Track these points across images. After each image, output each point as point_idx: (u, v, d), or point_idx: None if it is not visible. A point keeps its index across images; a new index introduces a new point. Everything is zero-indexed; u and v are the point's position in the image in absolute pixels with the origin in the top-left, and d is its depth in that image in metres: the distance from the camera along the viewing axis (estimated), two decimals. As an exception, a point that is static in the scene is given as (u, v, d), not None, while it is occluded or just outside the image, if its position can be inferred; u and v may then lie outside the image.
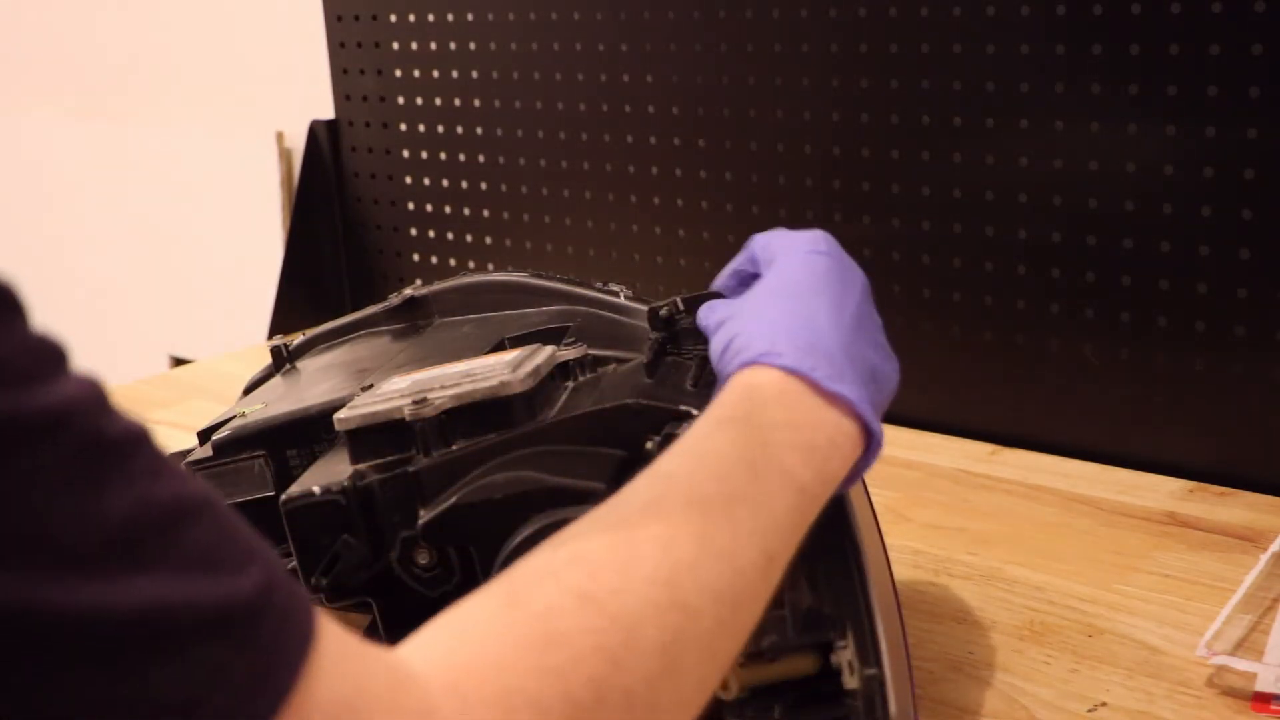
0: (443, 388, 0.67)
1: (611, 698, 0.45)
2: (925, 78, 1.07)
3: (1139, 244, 1.00)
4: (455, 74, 1.41)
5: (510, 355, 0.72)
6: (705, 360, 0.70)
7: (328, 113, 1.53)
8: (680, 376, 0.71)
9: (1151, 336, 1.01)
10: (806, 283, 0.65)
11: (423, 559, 0.66)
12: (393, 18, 1.44)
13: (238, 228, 1.74)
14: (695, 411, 0.65)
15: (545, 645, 0.44)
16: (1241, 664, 0.73)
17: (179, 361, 1.71)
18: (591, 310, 0.84)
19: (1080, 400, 1.06)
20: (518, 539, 0.61)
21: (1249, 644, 0.77)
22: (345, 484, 0.66)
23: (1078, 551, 0.90)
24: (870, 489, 0.70)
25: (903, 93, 1.09)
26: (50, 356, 0.38)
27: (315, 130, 1.54)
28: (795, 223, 1.17)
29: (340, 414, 0.68)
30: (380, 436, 0.67)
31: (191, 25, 1.75)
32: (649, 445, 0.63)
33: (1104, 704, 0.73)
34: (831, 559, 0.64)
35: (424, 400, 0.66)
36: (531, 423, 0.66)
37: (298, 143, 1.59)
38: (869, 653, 0.60)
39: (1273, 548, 0.85)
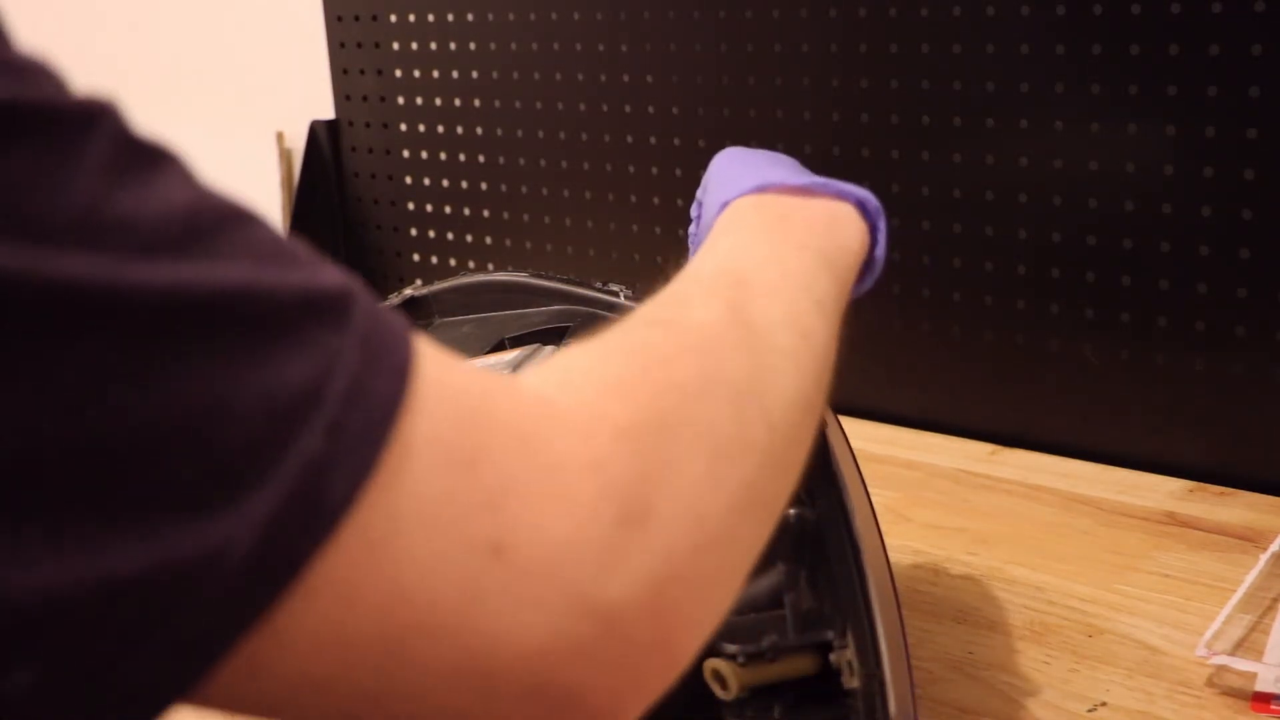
0: None
1: (717, 388, 0.45)
2: (925, 78, 1.07)
3: (1139, 244, 1.00)
4: (455, 74, 1.41)
5: (510, 355, 0.72)
6: None
7: (328, 113, 1.53)
8: None
9: (1151, 336, 1.01)
10: (747, 159, 0.68)
11: None
12: (393, 18, 1.44)
13: (238, 228, 1.74)
14: None
15: (643, 348, 0.46)
16: (1241, 664, 0.73)
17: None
18: (591, 310, 0.84)
19: (1080, 400, 1.06)
20: None
21: (1249, 644, 0.77)
22: None
23: (1078, 551, 0.90)
24: (870, 489, 0.70)
25: (903, 93, 1.09)
26: (58, 72, 0.36)
27: (315, 130, 1.54)
28: (795, 223, 1.17)
29: None
30: None
31: (192, 25, 1.75)
32: None
33: (1104, 704, 0.73)
34: (831, 559, 0.64)
35: None
36: None
37: (298, 143, 1.59)
38: (869, 653, 0.60)
39: (1273, 548, 0.85)
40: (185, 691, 0.34)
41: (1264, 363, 0.97)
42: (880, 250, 0.63)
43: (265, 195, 1.68)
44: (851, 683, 0.59)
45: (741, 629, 0.62)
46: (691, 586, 0.41)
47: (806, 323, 0.52)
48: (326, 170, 1.54)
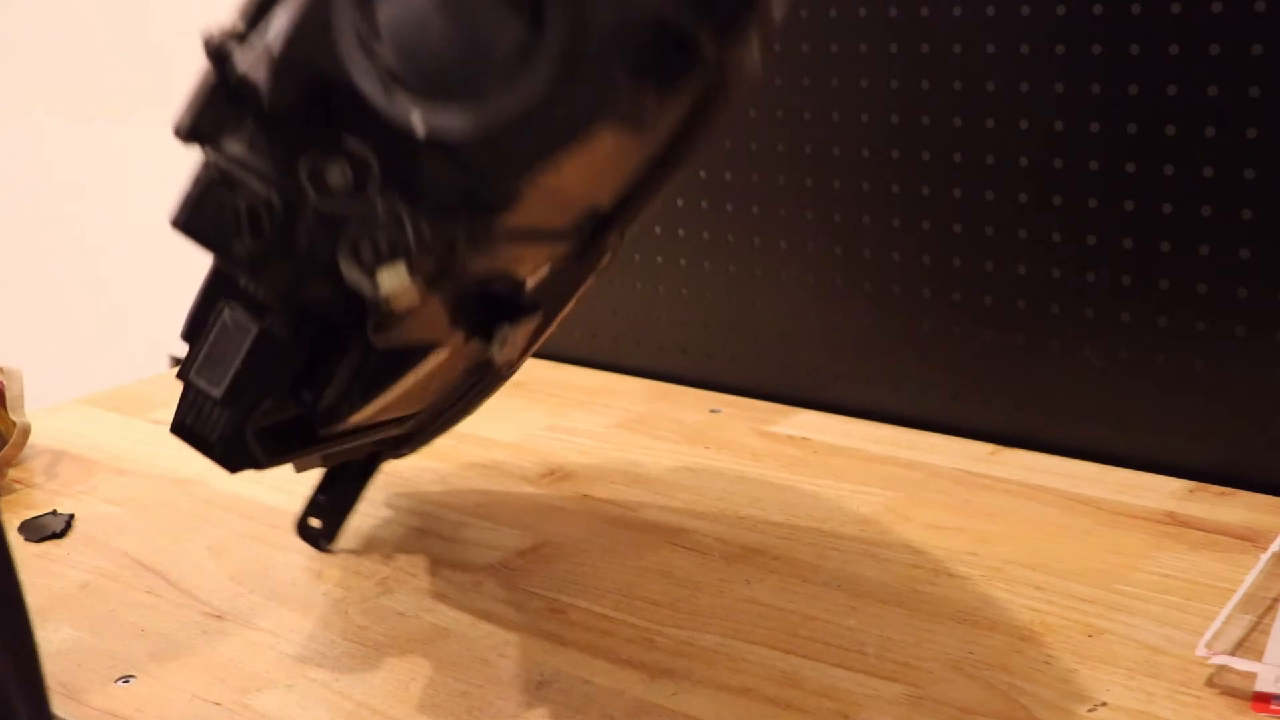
0: None
1: None
2: (925, 78, 1.07)
3: (1139, 244, 1.00)
4: (455, 74, 1.40)
5: None
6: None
7: (328, 113, 1.53)
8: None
9: (1151, 336, 1.01)
10: None
11: (335, 177, 0.63)
12: (393, 18, 1.44)
13: (238, 228, 1.73)
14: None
15: None
16: (1241, 664, 0.73)
17: (179, 361, 1.71)
18: None
19: (1080, 400, 1.06)
20: None
21: (1249, 644, 0.77)
22: (203, 168, 0.65)
23: (1078, 551, 0.90)
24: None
25: (902, 92, 1.09)
26: None
27: (315, 130, 1.53)
28: (796, 222, 1.17)
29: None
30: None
31: (191, 25, 1.75)
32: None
33: (1104, 704, 0.73)
34: None
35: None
36: None
37: (298, 143, 1.59)
38: None
39: (1273, 548, 0.86)
40: None
41: (1264, 363, 0.97)
42: None
43: (265, 195, 1.67)
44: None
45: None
46: None
47: None
48: (326, 170, 1.53)
